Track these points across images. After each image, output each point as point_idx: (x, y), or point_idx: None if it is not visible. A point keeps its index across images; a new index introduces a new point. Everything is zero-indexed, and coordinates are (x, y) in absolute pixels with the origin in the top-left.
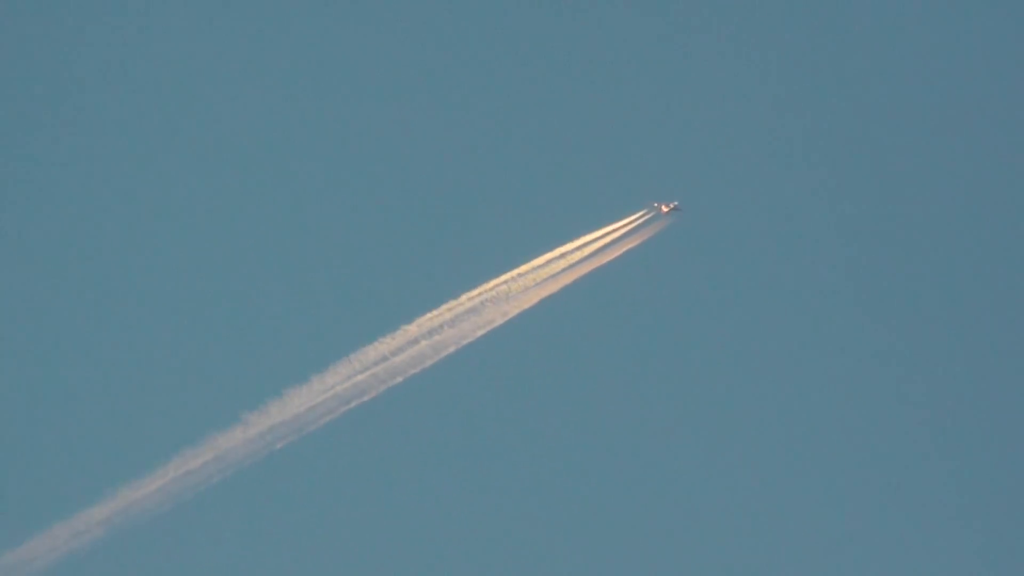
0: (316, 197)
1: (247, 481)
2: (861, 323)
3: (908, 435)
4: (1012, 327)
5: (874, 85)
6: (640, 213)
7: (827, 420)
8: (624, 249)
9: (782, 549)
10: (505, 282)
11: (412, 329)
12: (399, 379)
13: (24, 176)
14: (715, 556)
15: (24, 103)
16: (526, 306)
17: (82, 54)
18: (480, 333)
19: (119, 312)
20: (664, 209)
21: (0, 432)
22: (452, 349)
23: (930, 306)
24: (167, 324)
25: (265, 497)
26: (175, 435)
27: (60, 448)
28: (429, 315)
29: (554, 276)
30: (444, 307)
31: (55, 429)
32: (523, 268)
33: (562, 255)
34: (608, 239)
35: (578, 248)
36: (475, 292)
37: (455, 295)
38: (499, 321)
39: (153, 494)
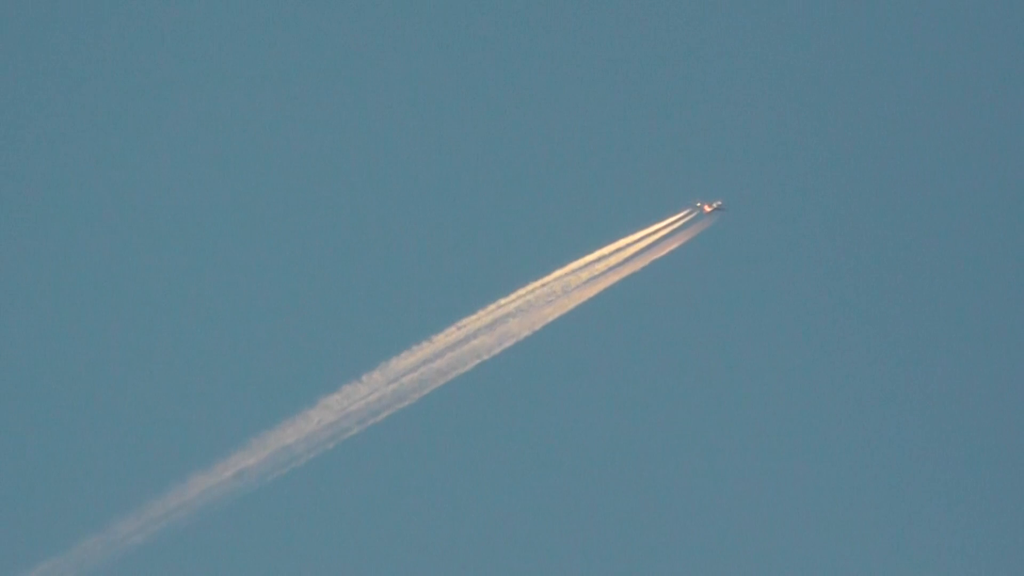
0: (352, 201)
1: (283, 489)
2: (910, 323)
3: (952, 441)
4: None
5: (927, 81)
6: (683, 213)
7: (883, 419)
8: (667, 250)
9: (812, 555)
10: (546, 284)
11: (452, 333)
12: (441, 382)
13: (69, 186)
14: (749, 564)
15: (26, 105)
16: (567, 309)
17: (82, 54)
18: (521, 337)
19: (140, 326)
20: (707, 209)
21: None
22: (492, 354)
23: (991, 305)
24: (198, 338)
25: (302, 505)
26: (230, 431)
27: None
28: (469, 318)
29: (596, 278)
30: (483, 311)
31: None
32: (564, 271)
33: (604, 257)
34: (651, 240)
35: (620, 250)
36: (514, 296)
37: (495, 299)
38: (540, 325)
39: (177, 508)
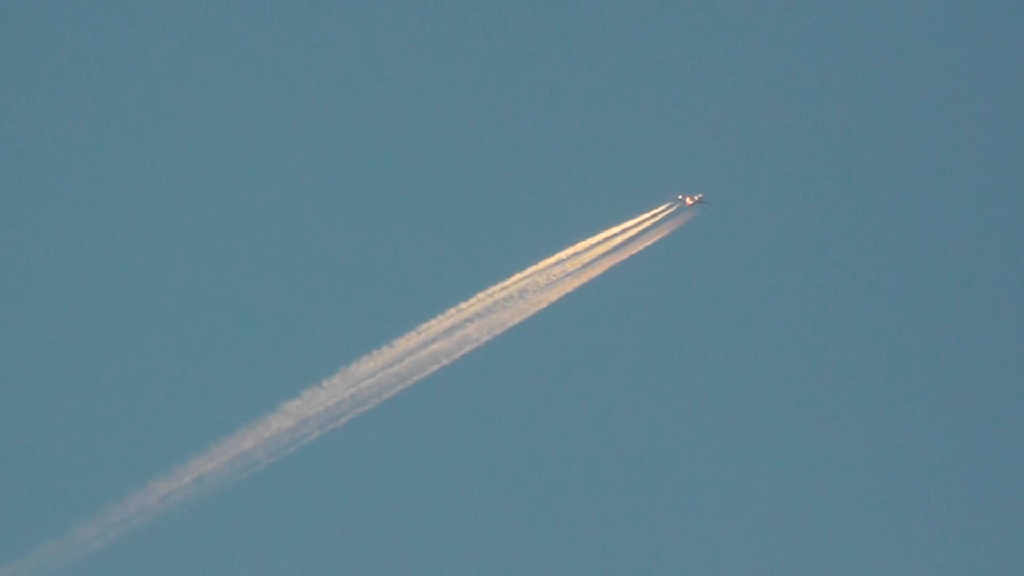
0: (316, 206)
1: (271, 479)
2: (891, 317)
3: (950, 437)
4: None
5: (905, 74)
6: (665, 206)
7: (858, 413)
8: (649, 242)
9: (808, 552)
10: (529, 277)
11: (435, 325)
12: (422, 376)
13: (59, 183)
14: (749, 558)
15: (26, 106)
16: (548, 302)
17: (83, 55)
18: (502, 329)
19: (98, 332)
20: (689, 201)
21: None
22: (475, 345)
23: (968, 299)
24: (158, 344)
25: (296, 492)
26: (190, 436)
27: (79, 447)
28: (452, 310)
29: (579, 270)
30: (466, 303)
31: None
32: (546, 262)
33: (586, 249)
34: (632, 232)
35: (602, 242)
36: (497, 288)
37: (476, 292)
38: (522, 317)
39: (168, 496)
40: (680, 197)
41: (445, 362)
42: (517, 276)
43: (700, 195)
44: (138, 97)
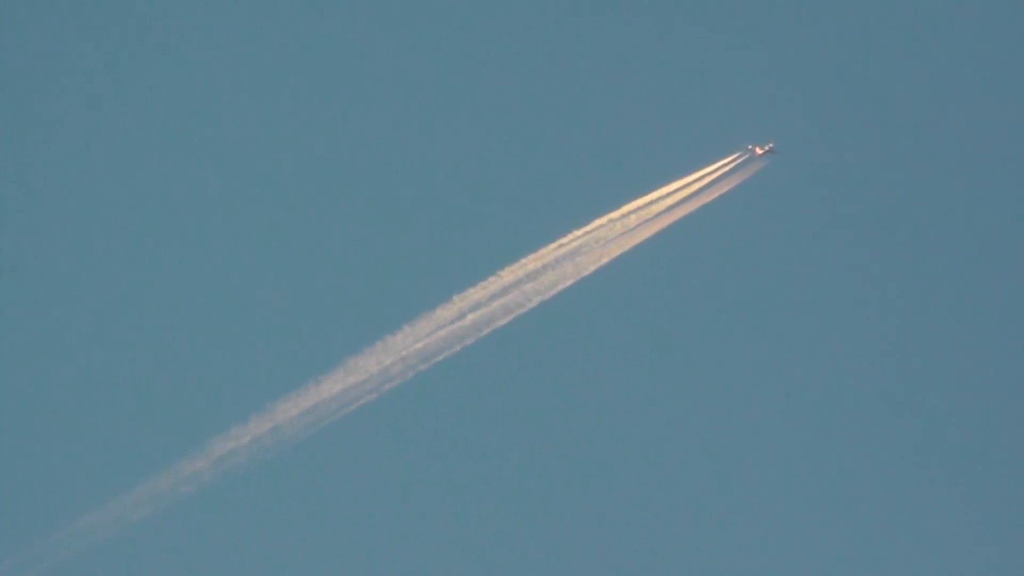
0: (367, 168)
1: (273, 474)
2: (974, 270)
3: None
4: None
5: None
6: (734, 156)
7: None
8: (717, 194)
9: (802, 554)
10: (596, 229)
11: (514, 270)
12: (493, 327)
13: (32, 180)
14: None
15: (26, 107)
16: (611, 257)
17: (84, 56)
18: (564, 286)
19: (131, 317)
20: (759, 151)
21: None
22: (545, 296)
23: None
24: (197, 323)
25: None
26: (189, 433)
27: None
28: (522, 261)
29: (646, 222)
30: (532, 256)
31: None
32: (613, 215)
33: (654, 200)
34: (700, 184)
35: (670, 194)
36: (562, 241)
37: (546, 243)
38: (582, 274)
39: (167, 491)
40: (750, 147)
41: (494, 327)
42: (578, 232)
43: (771, 144)
44: (133, 93)
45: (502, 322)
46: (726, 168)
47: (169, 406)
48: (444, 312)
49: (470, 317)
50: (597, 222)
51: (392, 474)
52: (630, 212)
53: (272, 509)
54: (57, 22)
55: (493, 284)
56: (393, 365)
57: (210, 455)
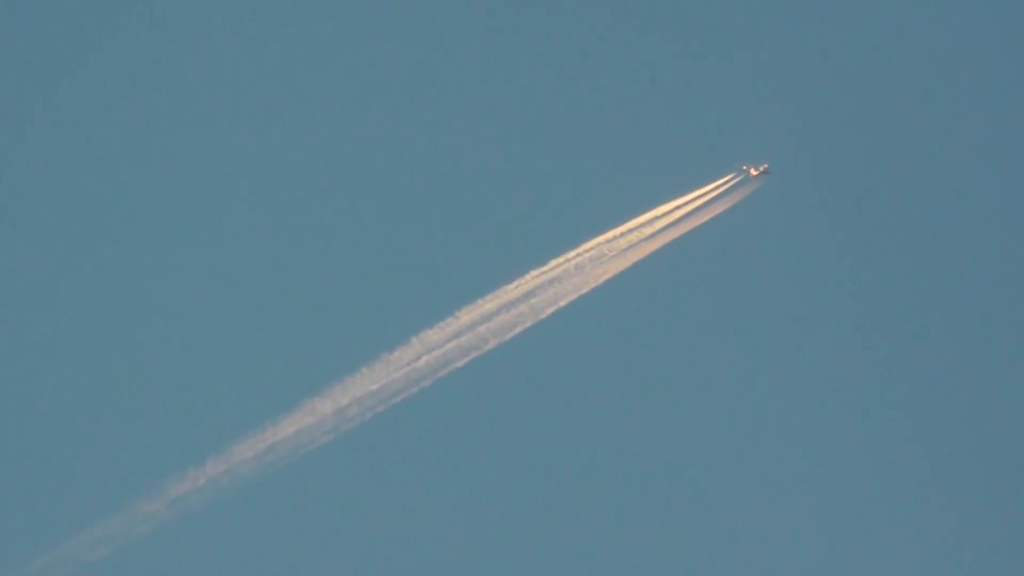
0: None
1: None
2: (970, 290)
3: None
4: None
5: (970, 46)
6: (729, 177)
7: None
8: (712, 215)
9: (805, 555)
10: (586, 251)
11: (502, 295)
12: (486, 347)
13: (39, 182)
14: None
15: (27, 106)
16: (605, 277)
17: (83, 54)
18: (563, 303)
19: (88, 360)
20: (754, 172)
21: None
22: (536, 319)
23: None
24: (212, 328)
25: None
26: (204, 439)
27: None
28: (516, 282)
29: (641, 242)
30: (524, 278)
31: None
32: (606, 236)
33: (648, 221)
34: (695, 204)
35: (664, 214)
36: (553, 264)
37: (539, 264)
38: (578, 293)
39: (122, 532)
40: (744, 167)
41: (486, 348)
42: (573, 252)
43: (765, 165)
44: (143, 97)
45: (459, 363)
46: (721, 189)
47: (125, 446)
48: (402, 354)
49: (424, 359)
50: (589, 243)
51: (348, 514)
52: (624, 233)
53: (227, 550)
54: (57, 21)
55: (453, 324)
56: (350, 406)
57: (166, 496)
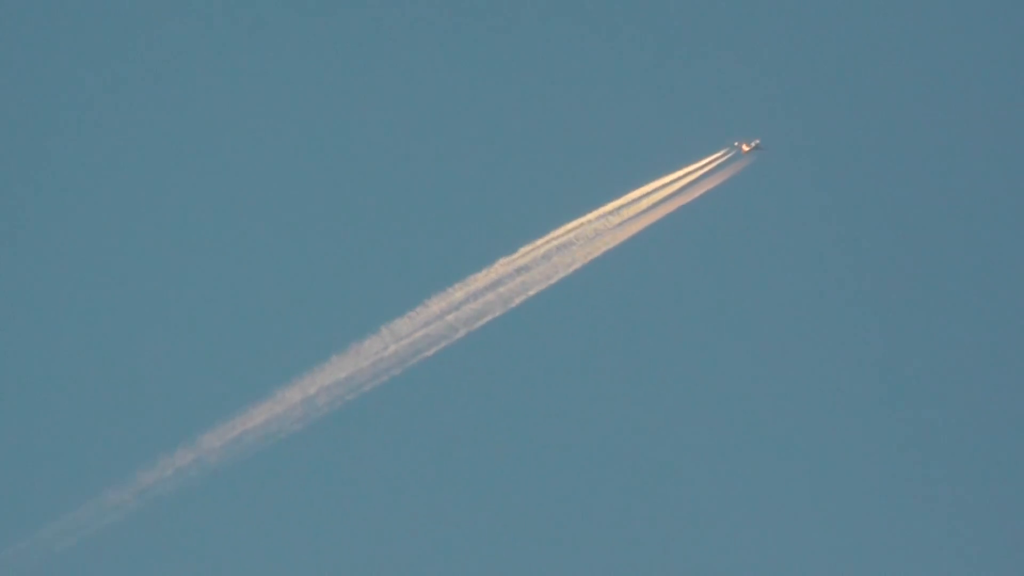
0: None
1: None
2: (961, 266)
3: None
4: None
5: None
6: (720, 152)
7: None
8: (703, 191)
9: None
10: (576, 228)
11: (497, 269)
12: (483, 321)
13: (27, 178)
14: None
15: (25, 107)
16: (594, 256)
17: (82, 55)
18: (547, 284)
19: (62, 346)
20: (745, 148)
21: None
22: (527, 295)
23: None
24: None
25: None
26: (178, 428)
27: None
28: (507, 259)
29: (632, 219)
30: (516, 254)
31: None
32: (597, 212)
33: (639, 198)
34: (686, 180)
35: (655, 191)
36: (541, 241)
37: (530, 241)
38: (567, 271)
39: (92, 520)
40: (736, 143)
41: (476, 326)
42: (563, 228)
43: (757, 140)
44: (130, 93)
45: (429, 352)
46: (712, 165)
47: (93, 435)
48: (371, 343)
49: (393, 348)
50: (580, 219)
51: (318, 503)
52: (615, 208)
53: (196, 539)
54: (58, 22)
55: (423, 313)
56: (319, 395)
57: (135, 485)
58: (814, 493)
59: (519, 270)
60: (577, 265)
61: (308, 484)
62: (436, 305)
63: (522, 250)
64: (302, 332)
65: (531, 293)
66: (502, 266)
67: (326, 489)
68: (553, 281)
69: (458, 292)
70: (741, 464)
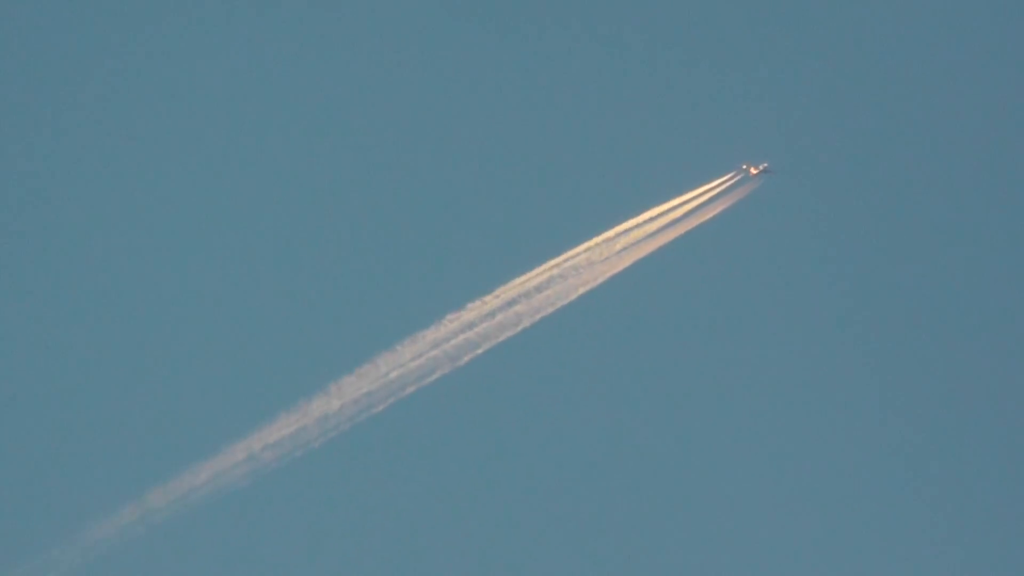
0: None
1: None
2: (969, 292)
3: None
4: None
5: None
6: (729, 175)
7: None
8: (711, 214)
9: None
10: (586, 250)
11: (499, 295)
12: (483, 349)
13: (38, 181)
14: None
15: (26, 107)
16: (602, 278)
17: (83, 55)
18: (561, 303)
19: (150, 319)
20: (754, 171)
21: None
22: (536, 318)
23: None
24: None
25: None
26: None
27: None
28: (515, 281)
29: (640, 242)
30: (525, 276)
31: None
32: (606, 235)
33: (647, 220)
34: (695, 203)
35: (663, 213)
36: (547, 266)
37: (538, 263)
38: (574, 295)
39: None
40: (744, 166)
41: (485, 348)
42: (569, 252)
43: (765, 164)
44: (145, 97)
45: (454, 366)
46: (720, 188)
47: (102, 452)
48: (396, 355)
49: (416, 361)
50: (589, 243)
51: (340, 517)
52: (623, 232)
53: (213, 554)
54: (57, 22)
55: (446, 326)
56: (342, 409)
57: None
58: (823, 512)
59: (523, 295)
60: (584, 289)
61: (330, 498)
62: (457, 319)
63: (527, 274)
64: (326, 345)
65: (537, 317)
66: (505, 291)
67: (348, 503)
68: (558, 306)
69: (488, 303)
70: (748, 487)
